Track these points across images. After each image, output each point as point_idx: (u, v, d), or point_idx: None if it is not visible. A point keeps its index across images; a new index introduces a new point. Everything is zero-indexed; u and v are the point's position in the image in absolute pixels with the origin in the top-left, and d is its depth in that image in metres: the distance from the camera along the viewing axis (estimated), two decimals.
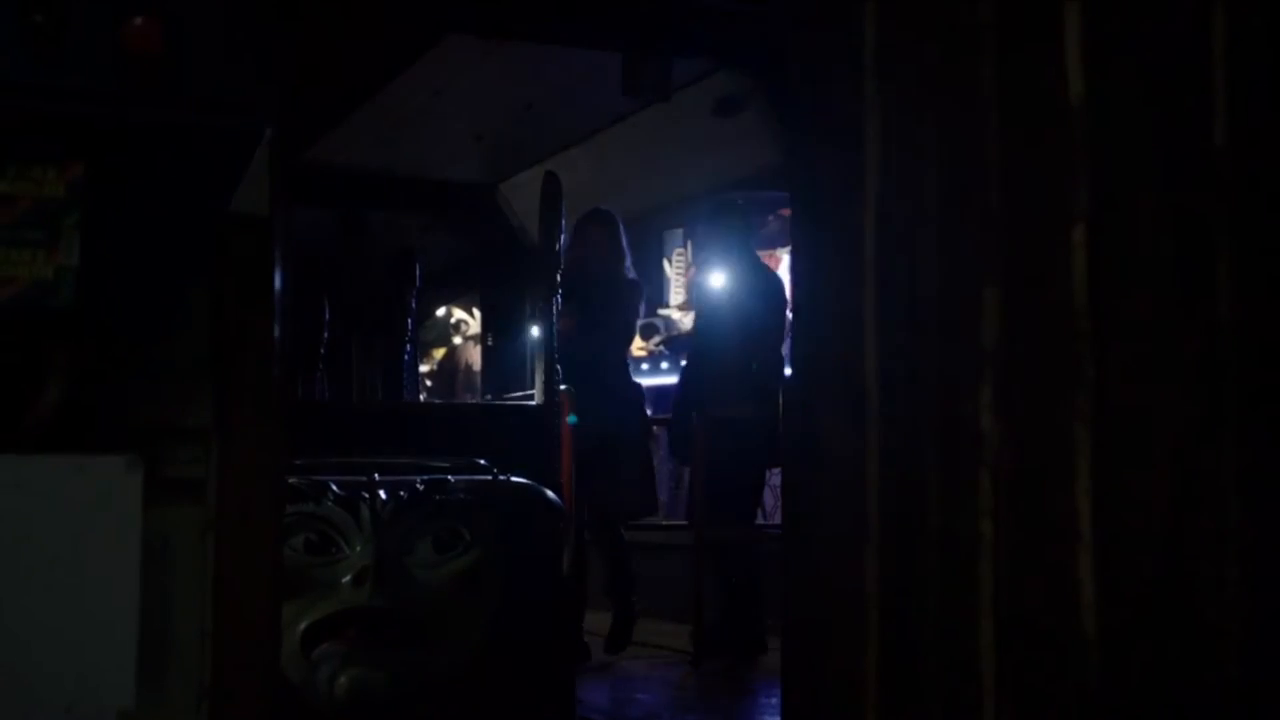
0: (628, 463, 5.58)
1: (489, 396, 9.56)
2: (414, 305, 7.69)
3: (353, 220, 7.61)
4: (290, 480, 3.36)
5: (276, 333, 2.00)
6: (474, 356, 13.00)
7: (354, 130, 7.37)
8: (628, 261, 5.86)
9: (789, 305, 5.54)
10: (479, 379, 11.63)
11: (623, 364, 5.90)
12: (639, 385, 6.07)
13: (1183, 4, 1.63)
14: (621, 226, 5.85)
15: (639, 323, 6.26)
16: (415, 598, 3.53)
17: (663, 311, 9.78)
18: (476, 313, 12.29)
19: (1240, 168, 1.58)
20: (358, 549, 3.53)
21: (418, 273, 7.66)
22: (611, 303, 5.71)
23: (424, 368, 12.81)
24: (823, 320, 2.19)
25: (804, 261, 2.31)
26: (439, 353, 14.21)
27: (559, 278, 4.93)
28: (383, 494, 3.62)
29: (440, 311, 13.38)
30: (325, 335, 7.09)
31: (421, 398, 10.43)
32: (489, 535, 3.67)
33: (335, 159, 7.73)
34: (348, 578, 3.48)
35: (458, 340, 13.99)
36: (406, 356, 7.57)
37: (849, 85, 2.06)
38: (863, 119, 2.04)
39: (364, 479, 3.67)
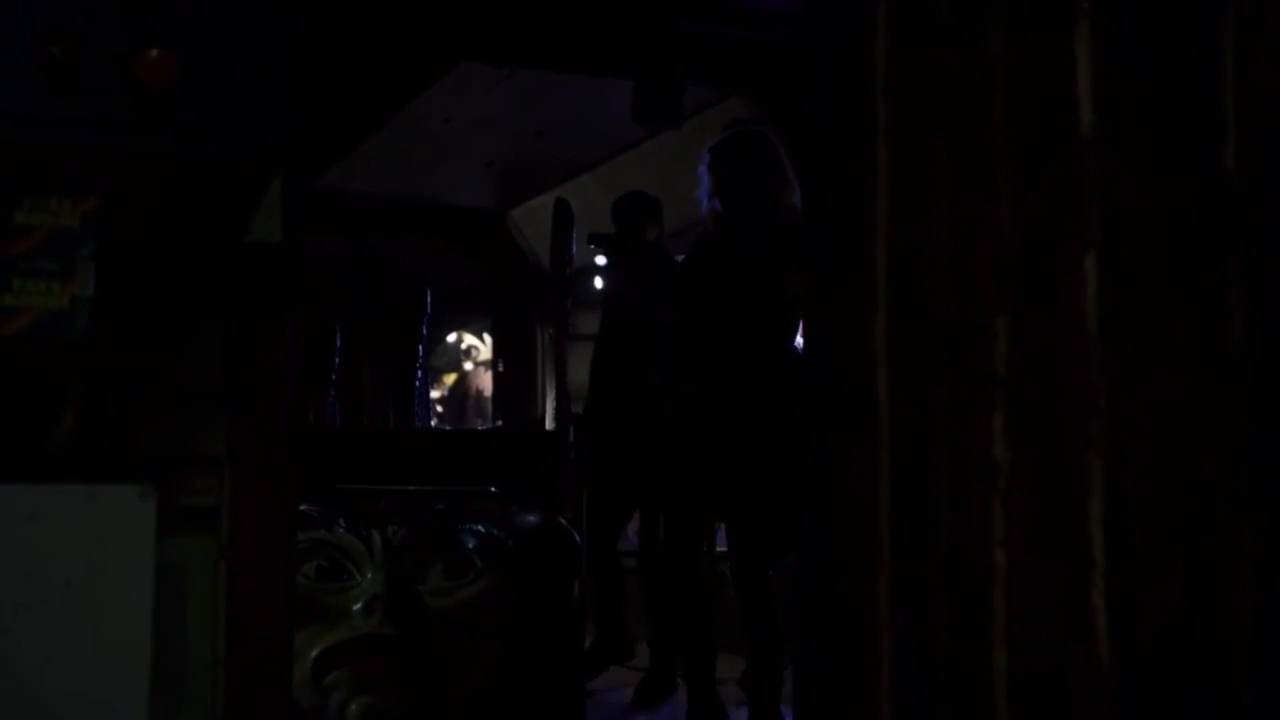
0: (766, 482, 4.07)
1: (500, 422, 9.58)
2: (425, 331, 7.70)
3: (364, 246, 7.64)
4: (302, 507, 3.37)
5: (289, 361, 2.01)
6: (485, 382, 13.02)
7: (366, 157, 7.41)
8: (795, 199, 4.07)
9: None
10: (490, 404, 11.64)
11: (771, 354, 4.11)
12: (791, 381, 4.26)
13: (1192, 30, 1.64)
14: (782, 150, 4.22)
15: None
16: (427, 625, 3.53)
17: None
18: (487, 338, 12.33)
19: (1252, 192, 1.59)
20: (369, 576, 3.53)
21: (429, 299, 7.68)
22: (755, 264, 4.07)
23: (435, 393, 12.83)
24: (833, 345, 2.19)
25: (814, 286, 2.31)
26: (450, 378, 14.24)
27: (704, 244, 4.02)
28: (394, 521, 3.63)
29: (451, 337, 13.42)
30: (336, 361, 7.10)
31: (432, 423, 10.45)
32: (500, 562, 3.67)
33: (347, 186, 7.77)
34: (359, 605, 3.48)
35: (468, 366, 14.02)
36: (418, 382, 7.58)
37: (860, 112, 2.07)
38: (874, 146, 2.05)
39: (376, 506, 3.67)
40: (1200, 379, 1.61)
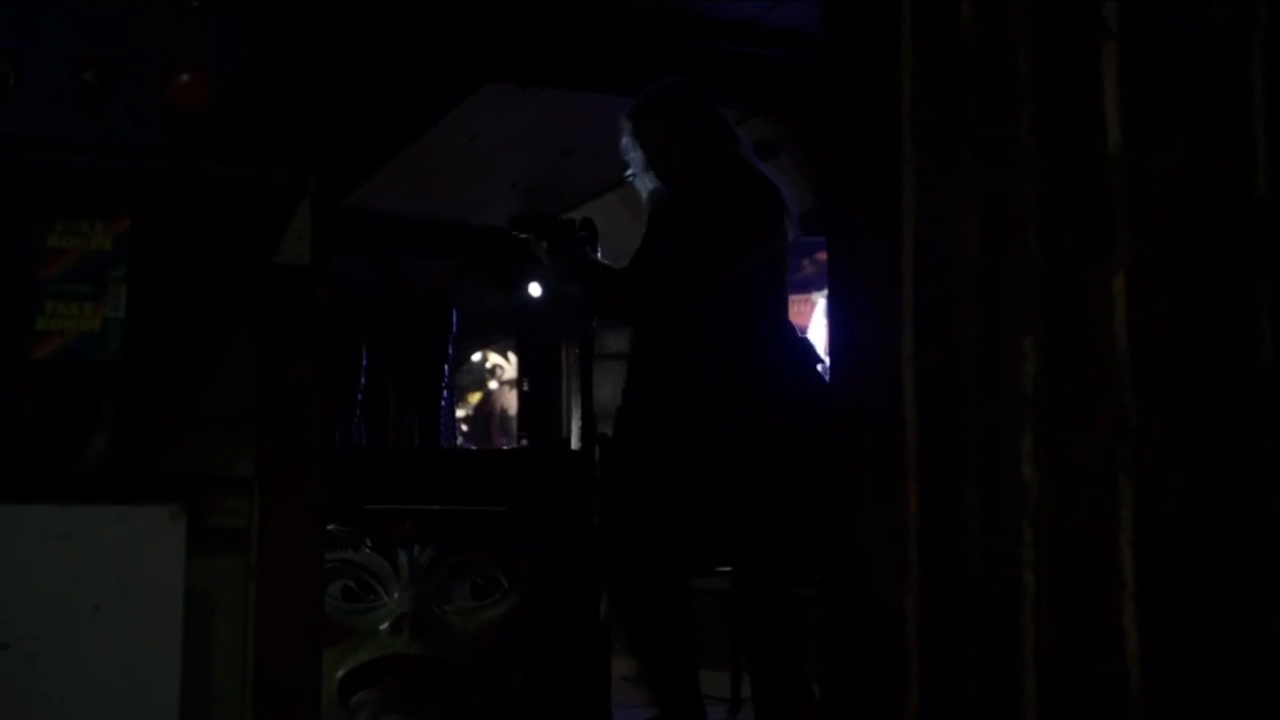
0: (769, 499, 3.44)
1: (524, 442, 9.59)
2: (450, 351, 7.73)
3: (390, 266, 7.67)
4: (329, 527, 3.38)
5: (318, 382, 2.02)
6: (509, 401, 13.05)
7: (391, 177, 7.43)
8: (745, 151, 3.56)
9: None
10: (515, 424, 11.66)
11: (761, 340, 3.49)
12: (804, 374, 3.60)
13: (1220, 53, 1.63)
14: (713, 98, 3.60)
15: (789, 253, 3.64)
16: (452, 645, 3.53)
17: None
18: (512, 357, 12.35)
19: None
20: (395, 596, 3.54)
21: (454, 318, 7.71)
22: (720, 229, 3.40)
23: (460, 413, 12.86)
24: (860, 366, 2.19)
25: (841, 306, 2.31)
26: (474, 397, 14.27)
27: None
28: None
29: (476, 356, 13.45)
30: (362, 381, 7.13)
31: (458, 443, 10.47)
32: (526, 582, 3.68)
33: (372, 205, 7.80)
34: (385, 625, 3.49)
35: (493, 385, 14.04)
36: (443, 402, 7.60)
37: (886, 133, 2.07)
38: (900, 166, 2.05)
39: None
40: (1231, 400, 1.60)
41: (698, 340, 3.48)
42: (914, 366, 2.01)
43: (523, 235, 4.17)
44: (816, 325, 8.66)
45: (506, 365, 13.35)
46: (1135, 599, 1.64)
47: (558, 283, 4.65)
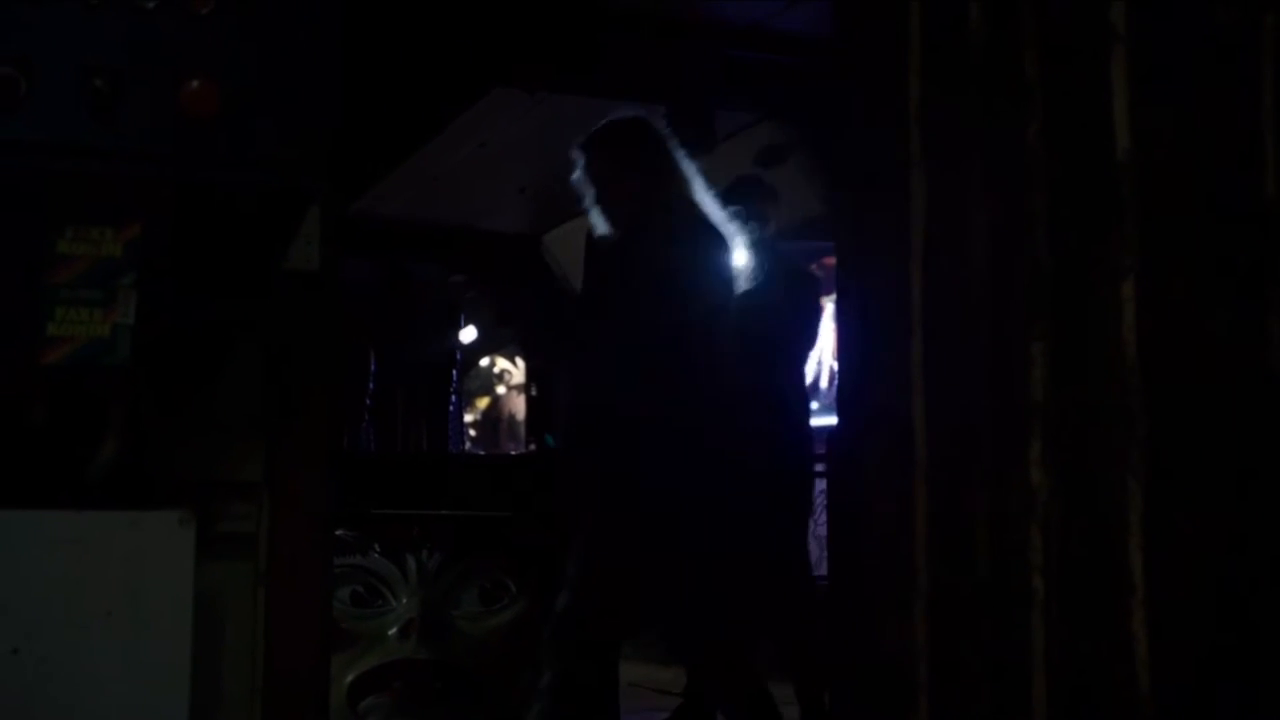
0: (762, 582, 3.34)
1: (532, 446, 9.59)
2: (459, 356, 7.74)
3: (398, 272, 7.69)
4: (337, 532, 3.38)
5: (327, 388, 2.02)
6: (517, 406, 13.07)
7: (399, 183, 7.44)
8: (697, 194, 3.40)
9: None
10: (522, 428, 11.68)
11: (697, 389, 3.17)
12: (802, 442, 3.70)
13: (1229, 57, 1.63)
14: (662, 142, 3.43)
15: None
16: (460, 650, 3.54)
17: None
18: (520, 362, 12.37)
19: None
20: (404, 601, 3.54)
21: (462, 323, 7.72)
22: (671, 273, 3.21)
23: (468, 417, 12.88)
24: (870, 372, 2.18)
25: (850, 310, 2.31)
26: (483, 402, 14.29)
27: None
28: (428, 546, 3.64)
29: (484, 361, 13.47)
30: (371, 386, 7.14)
31: (466, 447, 10.48)
32: (533, 587, 3.68)
33: (381, 211, 7.81)
34: (394, 630, 3.49)
35: (501, 390, 14.06)
36: (451, 407, 7.61)
37: (894, 138, 2.07)
38: (908, 171, 2.05)
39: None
40: (1239, 405, 1.60)
41: (627, 389, 3.22)
42: (923, 371, 2.00)
43: (457, 278, 4.00)
44: (824, 329, 8.63)
45: (514, 370, 13.37)
46: (1144, 604, 1.64)
47: (495, 324, 4.60)
